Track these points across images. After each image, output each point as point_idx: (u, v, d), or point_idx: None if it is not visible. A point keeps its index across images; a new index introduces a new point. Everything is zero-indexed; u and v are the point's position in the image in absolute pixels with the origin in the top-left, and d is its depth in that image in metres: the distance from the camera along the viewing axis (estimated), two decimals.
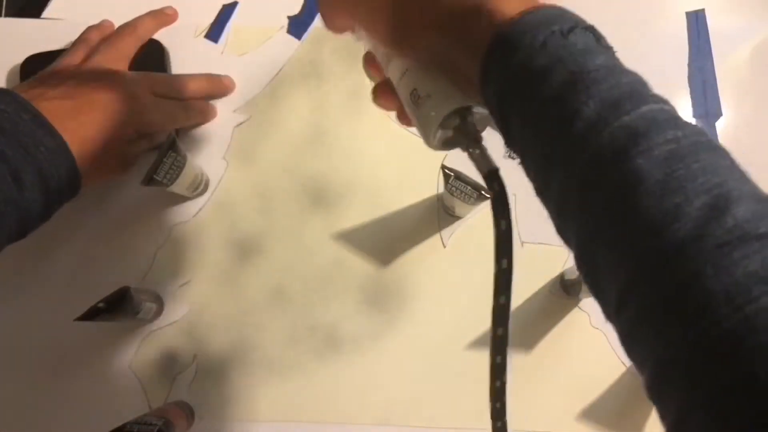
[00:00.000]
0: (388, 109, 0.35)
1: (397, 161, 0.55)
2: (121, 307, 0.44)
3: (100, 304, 0.43)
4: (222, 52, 0.57)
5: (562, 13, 0.26)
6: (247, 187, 0.54)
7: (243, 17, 0.58)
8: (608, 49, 0.27)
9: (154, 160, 0.45)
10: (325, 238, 0.53)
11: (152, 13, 0.56)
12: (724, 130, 0.56)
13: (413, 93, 0.31)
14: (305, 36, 0.57)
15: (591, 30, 0.27)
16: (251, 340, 0.52)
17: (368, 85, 0.56)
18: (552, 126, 0.24)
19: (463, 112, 0.30)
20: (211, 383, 0.51)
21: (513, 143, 0.28)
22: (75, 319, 0.43)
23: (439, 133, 0.31)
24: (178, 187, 0.49)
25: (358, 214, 0.54)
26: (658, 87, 0.57)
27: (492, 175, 0.28)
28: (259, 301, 0.52)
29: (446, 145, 0.32)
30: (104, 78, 0.48)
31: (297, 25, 0.58)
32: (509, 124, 0.27)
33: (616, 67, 0.25)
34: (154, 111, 0.50)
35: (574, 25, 0.26)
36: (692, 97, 0.56)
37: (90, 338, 0.51)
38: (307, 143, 0.55)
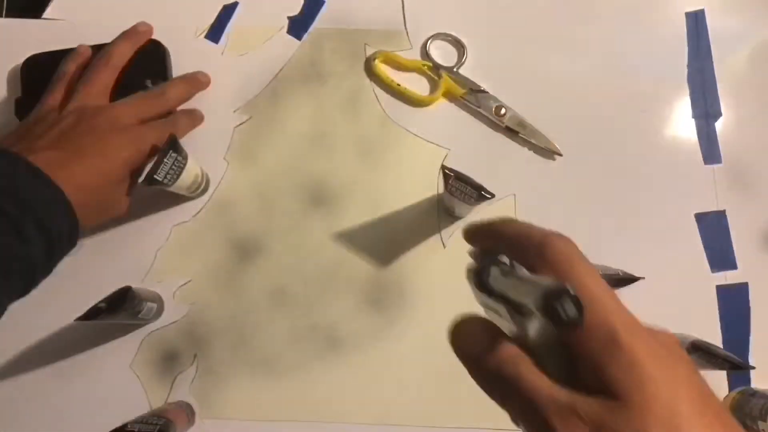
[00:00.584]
0: None
1: (397, 161, 0.55)
2: (121, 307, 0.44)
3: (101, 304, 0.43)
4: (222, 53, 0.57)
5: None
6: (247, 188, 0.54)
7: (243, 17, 0.58)
8: None
9: (155, 161, 0.45)
10: (325, 238, 0.53)
11: (125, 36, 0.54)
12: (724, 130, 0.56)
13: None
14: (305, 36, 0.58)
15: None
16: (251, 340, 0.52)
17: (368, 85, 0.57)
18: None
19: None
20: (212, 383, 0.51)
21: None
22: (75, 319, 0.43)
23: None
24: (179, 187, 0.49)
25: (358, 214, 0.54)
26: (657, 87, 0.57)
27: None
28: (259, 301, 0.52)
29: None
30: (88, 120, 0.47)
31: (297, 26, 0.58)
32: None
33: None
34: (146, 139, 0.48)
35: None
36: (692, 98, 0.56)
37: (90, 338, 0.51)
38: (307, 143, 0.55)
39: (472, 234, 0.30)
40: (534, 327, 0.23)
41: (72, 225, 0.43)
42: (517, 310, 0.23)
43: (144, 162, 0.47)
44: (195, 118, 0.55)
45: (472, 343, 0.25)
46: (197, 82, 0.55)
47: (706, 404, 0.22)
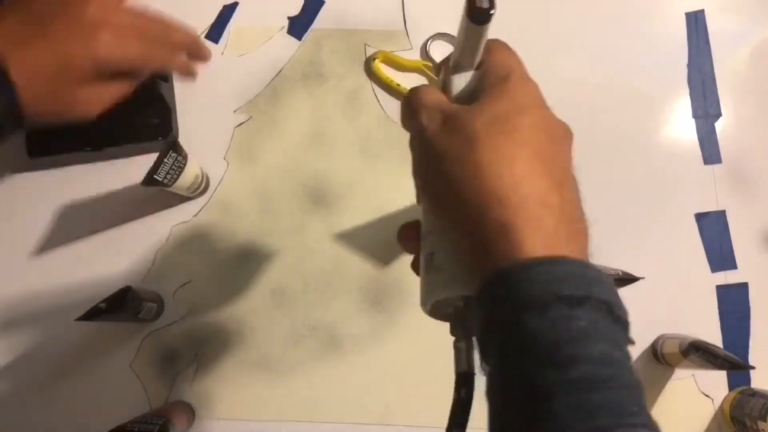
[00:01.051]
0: (407, 251, 0.33)
1: (397, 161, 0.55)
2: (122, 307, 0.44)
3: (101, 304, 0.44)
4: (222, 53, 0.57)
5: (582, 273, 0.24)
6: (247, 187, 0.54)
7: (243, 18, 0.58)
8: (616, 332, 0.24)
9: (155, 161, 0.45)
10: (325, 238, 0.53)
11: (189, 35, 0.48)
12: (723, 130, 0.56)
13: (429, 255, 0.30)
14: (305, 36, 0.58)
15: (606, 305, 0.24)
16: (251, 340, 0.52)
17: (368, 85, 0.57)
18: (516, 413, 0.23)
19: (468, 299, 0.29)
20: (212, 383, 0.51)
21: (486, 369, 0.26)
22: (76, 319, 0.43)
23: (435, 305, 0.30)
24: (179, 187, 0.49)
25: (358, 214, 0.54)
26: (657, 87, 0.57)
27: (464, 377, 0.28)
28: (259, 301, 0.52)
29: (439, 315, 0.31)
30: (75, 4, 0.41)
31: (297, 26, 0.58)
32: (486, 357, 0.26)
33: (609, 362, 0.22)
34: (129, 41, 0.42)
35: (587, 295, 0.23)
36: (691, 98, 0.56)
37: (90, 338, 0.51)
38: (307, 143, 0.55)
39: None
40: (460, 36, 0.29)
41: (10, 105, 0.39)
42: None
43: (117, 71, 0.43)
44: (201, 51, 0.48)
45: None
46: (202, 48, 0.49)
47: (542, 161, 0.26)
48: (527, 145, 0.26)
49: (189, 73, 0.49)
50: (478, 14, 0.26)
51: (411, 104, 0.30)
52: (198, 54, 0.49)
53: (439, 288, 0.29)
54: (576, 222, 0.27)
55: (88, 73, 0.42)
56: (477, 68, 0.30)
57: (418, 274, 0.31)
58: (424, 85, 0.31)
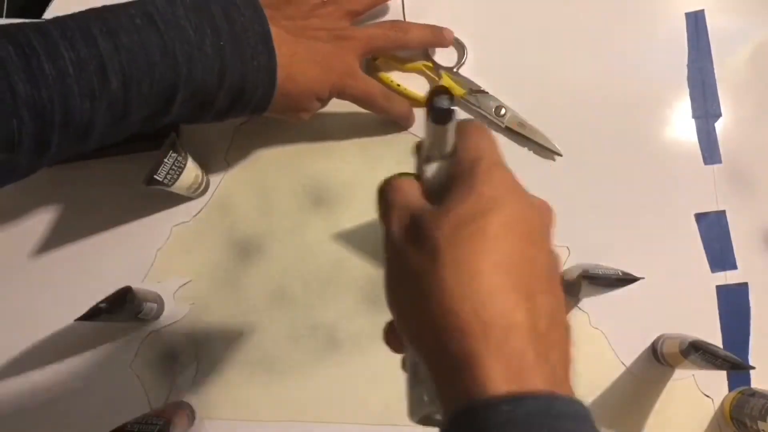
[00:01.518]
0: (394, 351, 0.31)
1: (397, 161, 0.55)
2: (121, 308, 0.44)
3: (101, 304, 0.44)
4: None
5: (546, 410, 0.22)
6: (247, 188, 0.54)
7: None
8: None
9: (155, 161, 0.45)
10: (325, 238, 0.53)
11: (429, 27, 0.53)
12: (724, 131, 0.56)
13: (414, 365, 0.29)
14: None
15: None
16: (251, 340, 0.52)
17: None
18: None
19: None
20: (212, 383, 0.51)
21: None
22: (76, 319, 0.43)
23: (423, 418, 0.29)
24: (179, 187, 0.49)
25: (358, 214, 0.54)
26: (657, 87, 0.58)
27: None
28: (259, 301, 0.52)
29: (431, 423, 0.29)
30: (331, 28, 0.48)
31: None
32: None
33: None
34: (357, 82, 0.49)
35: None
36: (691, 98, 0.56)
37: (90, 338, 0.51)
38: (307, 143, 0.55)
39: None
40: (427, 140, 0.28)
41: (266, 98, 0.44)
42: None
43: (340, 97, 0.49)
44: (407, 115, 0.54)
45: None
46: (442, 36, 0.53)
47: (512, 266, 0.24)
48: (494, 252, 0.24)
49: (407, 123, 0.54)
50: (438, 115, 0.26)
51: (382, 201, 0.28)
52: (440, 43, 0.54)
53: (425, 403, 0.28)
54: (550, 333, 0.24)
55: (324, 98, 0.48)
56: (450, 155, 0.28)
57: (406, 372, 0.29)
58: (399, 176, 0.28)
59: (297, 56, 0.44)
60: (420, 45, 0.54)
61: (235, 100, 0.43)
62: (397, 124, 0.54)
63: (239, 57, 0.41)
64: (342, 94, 0.49)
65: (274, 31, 0.43)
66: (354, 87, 0.48)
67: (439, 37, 0.53)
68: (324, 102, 0.49)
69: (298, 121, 0.49)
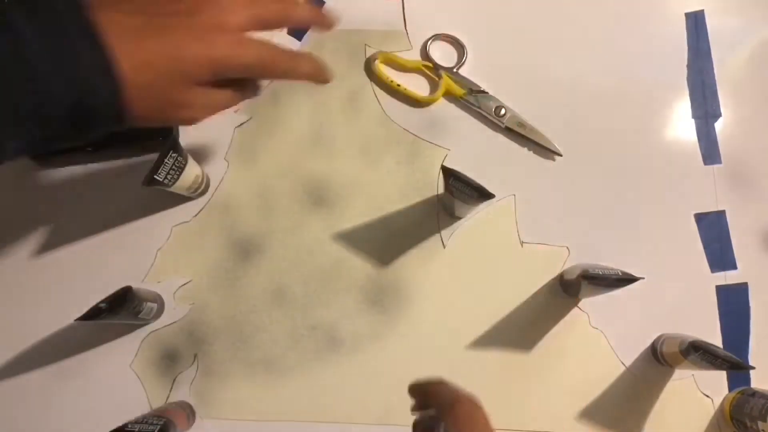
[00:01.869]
0: None
1: (397, 161, 0.55)
2: (122, 307, 0.44)
3: (102, 304, 0.44)
4: None
5: None
6: (247, 188, 0.54)
7: None
8: None
9: (155, 161, 0.45)
10: (325, 238, 0.53)
11: (311, 9, 0.44)
12: (723, 131, 0.56)
13: None
14: (306, 37, 0.58)
15: None
16: (251, 340, 0.52)
17: (368, 86, 0.57)
18: None
19: None
20: (212, 383, 0.51)
21: None
22: (76, 319, 0.43)
23: None
24: (179, 187, 0.49)
25: (358, 214, 0.54)
26: (657, 87, 0.57)
27: None
28: (259, 301, 0.52)
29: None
30: (195, 3, 0.38)
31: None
32: None
33: None
34: (246, 48, 0.39)
35: None
36: (691, 98, 0.56)
37: (90, 338, 0.51)
38: (307, 143, 0.55)
39: (413, 391, 0.41)
40: None
41: (111, 101, 0.35)
42: None
43: (234, 74, 0.39)
44: (320, 68, 0.44)
45: None
46: (323, 16, 0.45)
47: None
48: None
49: (320, 81, 0.45)
50: None
51: None
52: (322, 24, 0.45)
53: None
54: None
55: (202, 75, 0.38)
56: (442, 418, 0.32)
57: None
58: None
59: (147, 41, 0.36)
60: (305, 21, 0.45)
61: (46, 124, 0.34)
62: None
63: (50, 65, 0.33)
64: (230, 69, 0.39)
65: (109, 18, 0.35)
66: (243, 55, 0.39)
67: (321, 16, 0.45)
68: (218, 90, 0.40)
69: (189, 123, 0.40)
